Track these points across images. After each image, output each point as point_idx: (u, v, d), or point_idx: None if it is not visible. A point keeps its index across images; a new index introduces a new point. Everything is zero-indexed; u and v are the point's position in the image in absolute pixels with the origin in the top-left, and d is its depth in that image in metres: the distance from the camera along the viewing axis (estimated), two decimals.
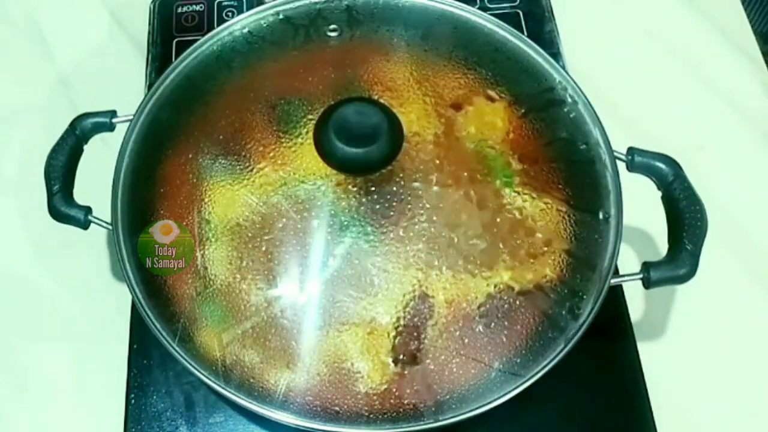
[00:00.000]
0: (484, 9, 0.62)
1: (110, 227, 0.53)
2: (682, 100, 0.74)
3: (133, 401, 0.60)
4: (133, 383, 0.60)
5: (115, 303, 0.63)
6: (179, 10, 0.77)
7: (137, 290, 0.52)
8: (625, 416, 0.59)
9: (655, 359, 0.61)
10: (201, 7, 0.77)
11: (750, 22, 0.77)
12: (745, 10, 0.78)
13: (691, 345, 0.63)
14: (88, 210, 0.55)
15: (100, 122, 0.57)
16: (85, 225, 0.55)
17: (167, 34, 0.76)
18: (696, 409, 0.61)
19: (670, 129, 0.70)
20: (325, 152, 0.51)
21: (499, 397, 0.49)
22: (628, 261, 0.64)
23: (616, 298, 0.62)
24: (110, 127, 0.57)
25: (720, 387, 0.62)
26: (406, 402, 0.50)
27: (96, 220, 0.54)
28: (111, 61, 0.78)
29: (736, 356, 0.63)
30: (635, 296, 0.63)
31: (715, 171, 0.66)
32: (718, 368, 0.62)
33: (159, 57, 0.75)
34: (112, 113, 0.58)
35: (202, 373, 0.50)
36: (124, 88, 0.73)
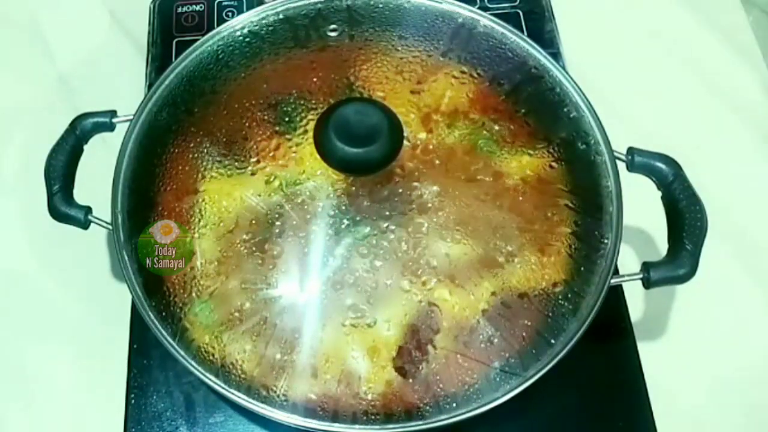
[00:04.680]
0: (484, 9, 0.61)
1: (110, 227, 0.53)
2: (681, 100, 0.74)
3: (133, 401, 0.60)
4: (133, 383, 0.60)
5: (115, 303, 0.63)
6: (179, 10, 0.77)
7: (137, 290, 0.52)
8: (625, 416, 0.59)
9: (655, 359, 0.61)
10: (201, 7, 0.77)
11: None
12: None
13: (691, 345, 0.63)
14: (88, 210, 0.55)
15: (100, 122, 0.57)
16: (85, 225, 0.55)
17: (167, 34, 0.76)
18: (696, 409, 0.61)
19: (670, 129, 0.70)
20: (325, 152, 0.51)
21: (500, 397, 0.49)
22: (628, 261, 0.64)
23: (616, 298, 0.62)
24: (110, 127, 0.57)
25: (720, 387, 0.62)
26: (406, 402, 0.50)
27: (96, 220, 0.54)
28: (111, 61, 0.78)
29: (736, 356, 0.63)
30: (635, 296, 0.63)
31: (715, 171, 0.66)
32: (718, 368, 0.62)
33: (159, 57, 0.75)
34: (112, 113, 0.57)
35: (202, 373, 0.50)
36: (124, 88, 0.73)
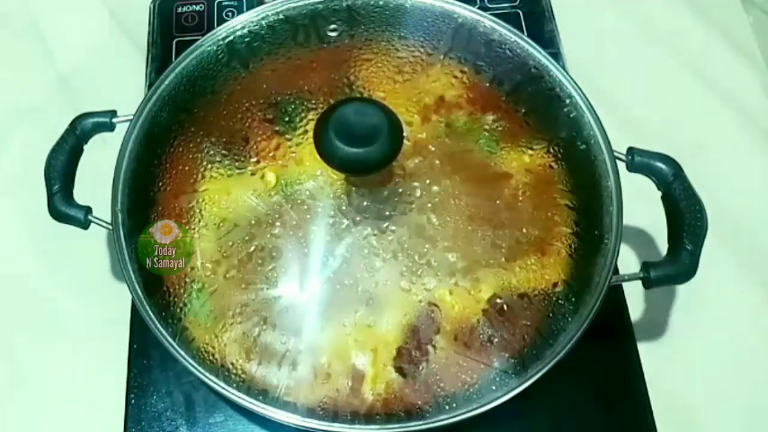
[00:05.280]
0: (484, 9, 0.61)
1: (110, 227, 0.53)
2: (682, 100, 0.74)
3: (133, 401, 0.60)
4: (133, 383, 0.60)
5: (115, 303, 0.63)
6: (179, 10, 0.77)
7: (137, 290, 0.52)
8: (625, 416, 0.59)
9: (655, 359, 0.61)
10: (201, 7, 0.77)
11: None
12: None
13: (691, 345, 0.63)
14: (88, 210, 0.55)
15: (100, 122, 0.57)
16: (85, 225, 0.55)
17: (167, 34, 0.76)
18: (696, 409, 0.61)
19: (670, 129, 0.70)
20: (324, 152, 0.50)
21: (500, 397, 0.49)
22: (628, 261, 0.64)
23: (616, 298, 0.62)
24: (110, 127, 0.57)
25: (720, 387, 0.62)
26: (406, 402, 0.50)
27: (96, 220, 0.54)
28: (111, 61, 0.77)
29: (736, 356, 0.63)
30: (635, 296, 0.63)
31: (715, 171, 0.66)
32: (718, 368, 0.62)
33: (159, 57, 0.75)
34: (112, 113, 0.57)
35: (202, 373, 0.50)
36: (124, 88, 0.73)
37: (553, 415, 0.59)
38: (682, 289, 0.62)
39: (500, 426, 0.56)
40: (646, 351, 0.61)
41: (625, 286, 0.62)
